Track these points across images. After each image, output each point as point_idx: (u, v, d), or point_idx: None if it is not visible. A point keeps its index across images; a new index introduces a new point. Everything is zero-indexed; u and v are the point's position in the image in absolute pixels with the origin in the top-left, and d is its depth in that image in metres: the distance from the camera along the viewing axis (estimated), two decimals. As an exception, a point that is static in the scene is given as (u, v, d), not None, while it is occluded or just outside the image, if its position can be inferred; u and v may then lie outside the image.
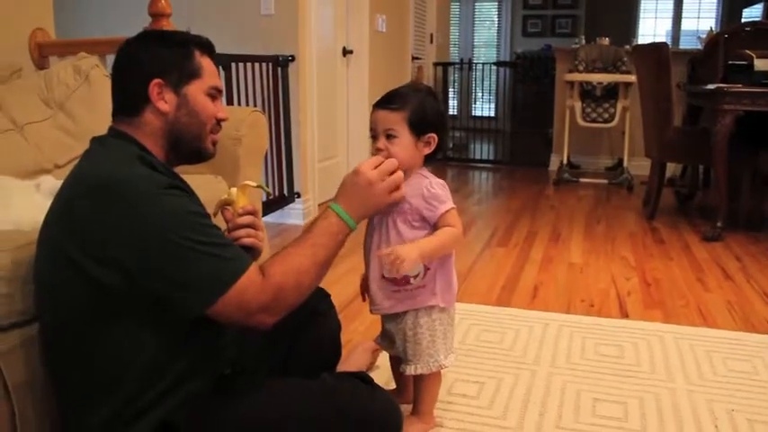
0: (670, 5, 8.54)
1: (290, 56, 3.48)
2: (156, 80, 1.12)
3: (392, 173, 1.25)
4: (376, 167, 1.24)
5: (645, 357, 1.93)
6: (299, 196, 3.61)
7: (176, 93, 1.15)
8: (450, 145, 6.69)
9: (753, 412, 1.63)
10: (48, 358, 1.15)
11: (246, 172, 2.09)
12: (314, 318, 1.43)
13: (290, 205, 3.58)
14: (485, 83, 7.14)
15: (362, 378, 1.32)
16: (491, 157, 6.53)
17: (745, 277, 2.73)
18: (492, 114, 8.31)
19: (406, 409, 1.48)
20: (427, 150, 1.36)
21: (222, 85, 1.30)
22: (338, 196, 1.23)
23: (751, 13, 6.81)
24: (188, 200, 1.07)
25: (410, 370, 1.43)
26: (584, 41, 5.69)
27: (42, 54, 2.47)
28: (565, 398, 1.69)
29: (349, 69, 4.41)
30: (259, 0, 3.51)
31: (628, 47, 5.16)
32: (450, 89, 7.60)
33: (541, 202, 4.38)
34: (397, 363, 1.54)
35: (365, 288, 1.46)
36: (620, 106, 4.95)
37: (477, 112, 8.89)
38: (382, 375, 1.75)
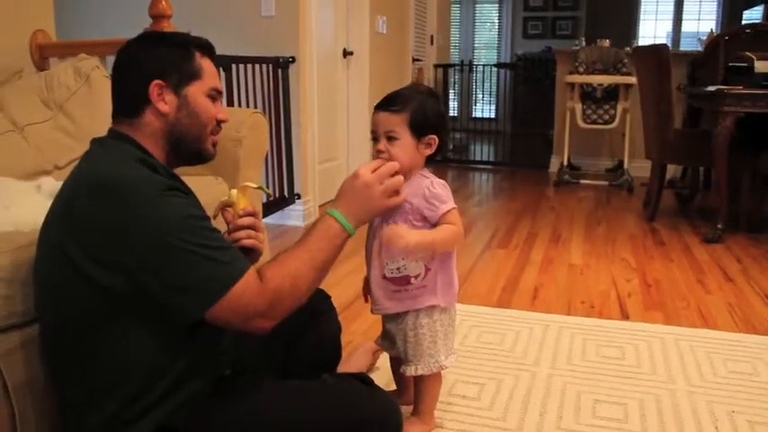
0: (670, 7, 8.55)
1: (291, 57, 3.49)
2: (157, 81, 1.12)
3: (393, 175, 1.25)
4: (374, 171, 1.23)
5: (645, 359, 1.93)
6: (299, 198, 3.61)
7: (176, 94, 1.15)
8: (451, 146, 6.69)
9: (753, 413, 1.63)
10: (48, 358, 1.15)
11: (247, 173, 2.09)
12: (314, 319, 1.43)
13: (291, 207, 3.58)
14: (485, 84, 7.14)
15: (363, 379, 1.32)
16: (491, 159, 6.54)
17: (745, 279, 2.73)
18: (492, 116, 8.30)
19: (406, 410, 1.47)
20: (428, 152, 1.36)
21: (222, 86, 1.30)
22: (336, 201, 1.22)
23: (751, 15, 6.81)
24: (187, 202, 1.07)
25: (411, 370, 1.43)
26: (584, 43, 5.69)
27: (43, 55, 2.47)
28: (565, 399, 1.69)
29: (349, 71, 4.41)
30: (259, 1, 3.52)
31: (628, 49, 5.16)
32: (451, 91, 7.60)
33: (542, 204, 4.38)
34: (397, 364, 1.54)
35: (367, 290, 1.47)
36: (620, 108, 4.95)
37: (478, 114, 8.89)
38: (383, 377, 1.75)
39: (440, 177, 1.39)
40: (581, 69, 5.09)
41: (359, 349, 1.82)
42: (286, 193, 3.52)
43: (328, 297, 1.52)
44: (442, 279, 1.40)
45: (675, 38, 8.53)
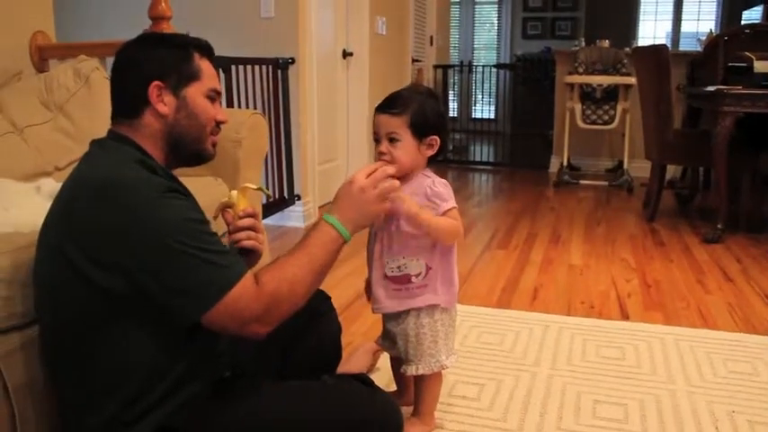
0: (670, 7, 8.55)
1: (290, 58, 3.49)
2: (156, 82, 1.12)
3: (393, 178, 1.25)
4: (369, 175, 1.23)
5: (645, 359, 1.93)
6: (299, 199, 3.61)
7: (175, 95, 1.15)
8: (451, 147, 6.69)
9: (753, 413, 1.63)
10: (48, 360, 1.15)
11: (246, 174, 2.09)
12: (314, 320, 1.43)
13: (291, 208, 3.58)
14: (485, 85, 7.14)
15: (363, 380, 1.32)
16: (491, 159, 6.54)
17: (745, 279, 2.73)
18: (492, 116, 8.30)
19: (406, 411, 1.47)
20: (430, 152, 1.37)
21: (221, 87, 1.30)
22: (333, 207, 1.22)
23: (751, 15, 6.81)
24: (187, 204, 1.07)
25: (411, 370, 1.43)
26: (584, 44, 5.69)
27: (42, 57, 2.47)
28: (565, 399, 1.69)
29: (349, 72, 4.42)
30: (259, 3, 3.52)
31: (627, 49, 5.16)
32: (451, 91, 7.60)
33: (541, 204, 4.38)
34: (397, 364, 1.54)
35: (369, 291, 1.47)
36: (620, 108, 4.95)
37: (478, 115, 8.89)
38: (383, 377, 1.75)
39: (440, 178, 1.40)
40: (580, 70, 5.09)
41: (359, 350, 1.82)
42: (286, 195, 3.52)
43: (328, 298, 1.52)
44: (443, 278, 1.40)
45: (675, 38, 8.54)
